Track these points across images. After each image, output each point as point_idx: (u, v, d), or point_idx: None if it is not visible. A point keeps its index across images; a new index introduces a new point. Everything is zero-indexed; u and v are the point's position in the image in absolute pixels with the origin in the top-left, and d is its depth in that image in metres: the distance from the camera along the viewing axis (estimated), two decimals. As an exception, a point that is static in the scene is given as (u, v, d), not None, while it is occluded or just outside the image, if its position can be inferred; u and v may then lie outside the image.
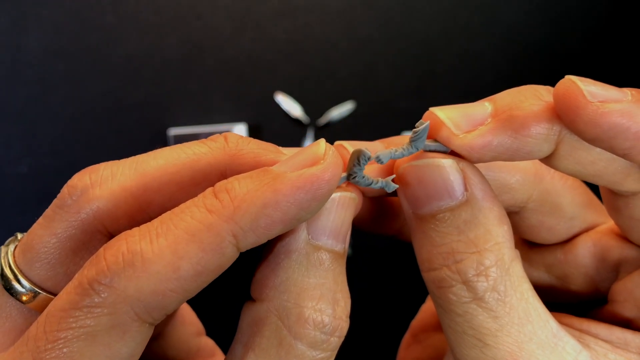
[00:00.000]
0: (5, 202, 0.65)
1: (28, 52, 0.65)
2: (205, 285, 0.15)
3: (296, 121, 0.67)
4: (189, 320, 0.23)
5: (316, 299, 0.15)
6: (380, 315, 0.66)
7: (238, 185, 0.14)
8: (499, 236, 0.15)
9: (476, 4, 0.68)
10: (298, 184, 0.14)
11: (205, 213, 0.14)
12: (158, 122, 0.66)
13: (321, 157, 0.15)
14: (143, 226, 0.14)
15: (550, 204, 0.18)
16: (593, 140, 0.14)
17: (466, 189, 0.15)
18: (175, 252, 0.14)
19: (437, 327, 0.24)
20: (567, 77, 0.15)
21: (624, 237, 0.19)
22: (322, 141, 0.15)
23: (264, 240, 0.15)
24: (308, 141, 0.67)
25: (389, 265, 0.69)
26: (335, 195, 0.16)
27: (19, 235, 0.17)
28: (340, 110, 0.67)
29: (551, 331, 0.15)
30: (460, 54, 0.68)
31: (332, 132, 0.67)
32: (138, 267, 0.13)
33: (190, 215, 0.14)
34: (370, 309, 0.68)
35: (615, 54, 0.69)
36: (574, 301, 0.20)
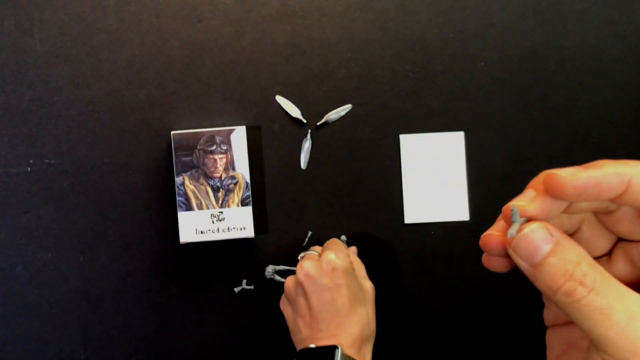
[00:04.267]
0: (10, 202, 0.66)
1: (32, 54, 0.66)
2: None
3: (295, 122, 0.68)
4: None
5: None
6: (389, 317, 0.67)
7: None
8: (580, 254, 0.24)
9: (472, 7, 0.69)
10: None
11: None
12: (160, 123, 0.67)
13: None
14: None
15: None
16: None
17: (552, 235, 0.24)
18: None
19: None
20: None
21: None
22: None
23: None
24: (307, 142, 0.68)
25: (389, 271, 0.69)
26: None
27: None
28: (338, 112, 0.68)
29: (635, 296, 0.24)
30: (457, 56, 0.69)
31: (331, 133, 0.68)
32: None
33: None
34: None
35: (610, 56, 0.70)
36: None
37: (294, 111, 0.68)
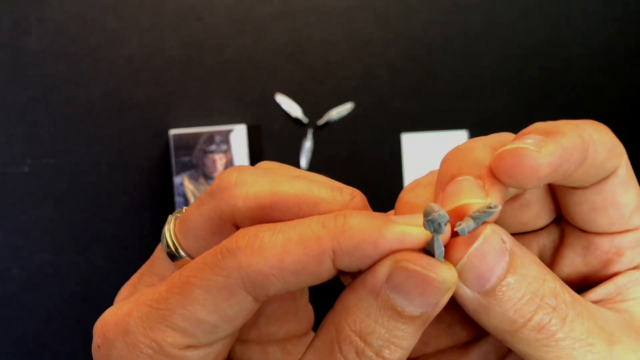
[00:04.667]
0: (7, 202, 0.65)
1: (30, 53, 0.65)
2: (301, 286, 0.17)
3: (296, 121, 0.68)
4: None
5: (367, 332, 0.17)
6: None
7: (355, 217, 0.17)
8: (541, 265, 0.18)
9: (475, 6, 0.68)
10: (398, 236, 0.17)
11: (319, 227, 0.17)
12: (159, 122, 0.66)
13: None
14: (273, 224, 0.18)
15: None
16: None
17: (504, 242, 0.18)
18: (284, 247, 0.17)
19: None
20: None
21: None
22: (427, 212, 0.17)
23: (355, 268, 0.17)
24: (308, 141, 0.68)
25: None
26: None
27: (184, 210, 0.21)
28: (340, 111, 0.67)
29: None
30: (460, 55, 0.68)
31: (331, 133, 0.68)
32: (255, 249, 0.17)
33: (309, 225, 0.17)
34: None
35: (613, 54, 0.69)
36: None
37: (295, 110, 0.67)
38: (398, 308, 0.17)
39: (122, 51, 0.66)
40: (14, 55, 0.65)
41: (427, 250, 0.17)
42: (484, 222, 0.17)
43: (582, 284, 0.21)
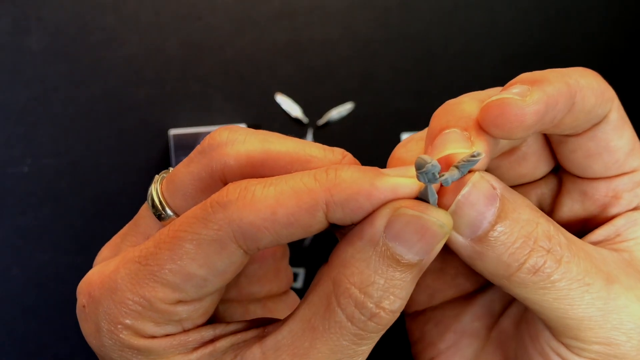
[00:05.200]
0: (6, 202, 0.65)
1: (29, 53, 0.65)
2: (292, 238, 0.17)
3: (296, 121, 0.67)
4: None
5: (367, 283, 0.16)
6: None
7: (347, 170, 0.17)
8: (534, 209, 0.17)
9: (476, 5, 0.68)
10: (391, 187, 0.17)
11: (312, 180, 0.17)
12: (159, 122, 0.66)
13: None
14: (264, 178, 0.17)
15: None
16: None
17: (494, 188, 0.17)
18: (277, 199, 0.16)
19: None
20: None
21: None
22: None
23: (348, 220, 0.17)
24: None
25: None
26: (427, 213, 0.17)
27: (171, 170, 0.21)
28: (340, 111, 0.67)
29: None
30: (460, 55, 0.68)
31: (332, 132, 0.68)
32: (247, 202, 0.17)
33: (300, 178, 0.17)
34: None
35: (614, 54, 0.69)
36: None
37: (295, 110, 0.67)
38: (397, 256, 0.16)
39: (122, 51, 0.66)
40: (14, 55, 0.65)
41: (421, 198, 0.17)
42: (472, 171, 0.17)
43: (582, 229, 0.21)
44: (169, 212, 0.21)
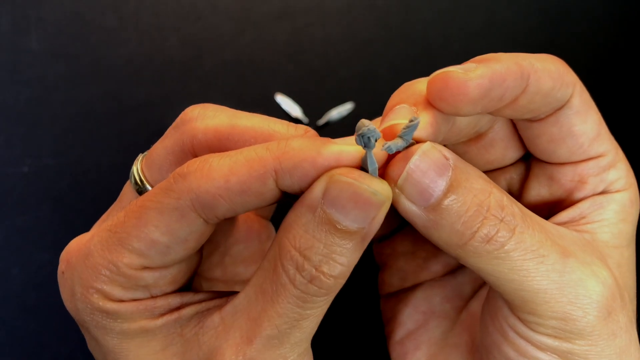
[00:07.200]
0: (6, 202, 0.65)
1: (28, 53, 0.65)
2: (248, 207, 0.18)
3: (296, 121, 0.67)
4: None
5: (306, 246, 0.17)
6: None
7: (297, 140, 0.18)
8: (487, 180, 0.18)
9: (476, 5, 0.68)
10: (334, 154, 0.18)
11: (263, 150, 0.18)
12: (158, 123, 0.66)
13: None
14: (224, 152, 0.19)
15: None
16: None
17: (447, 158, 0.18)
18: (230, 169, 0.18)
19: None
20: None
21: None
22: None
23: (297, 188, 0.18)
24: (308, 142, 0.67)
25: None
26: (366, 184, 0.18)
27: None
28: (340, 111, 0.67)
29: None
30: (461, 55, 0.68)
31: (332, 132, 0.68)
32: (204, 172, 0.18)
33: (254, 149, 0.18)
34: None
35: (614, 54, 0.69)
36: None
37: (295, 110, 0.67)
38: (335, 222, 0.17)
39: (122, 51, 0.66)
40: (13, 55, 0.65)
41: (363, 167, 0.18)
42: (421, 141, 0.17)
43: (549, 213, 0.21)
44: (147, 187, 0.22)
